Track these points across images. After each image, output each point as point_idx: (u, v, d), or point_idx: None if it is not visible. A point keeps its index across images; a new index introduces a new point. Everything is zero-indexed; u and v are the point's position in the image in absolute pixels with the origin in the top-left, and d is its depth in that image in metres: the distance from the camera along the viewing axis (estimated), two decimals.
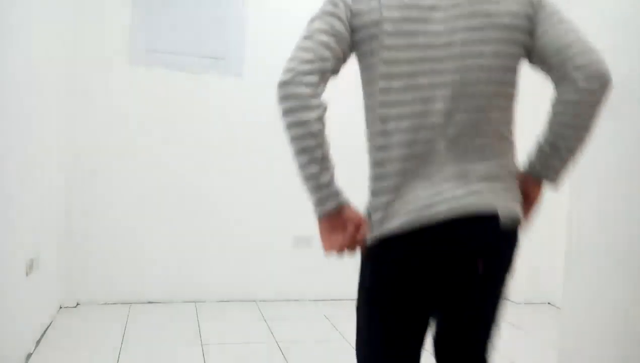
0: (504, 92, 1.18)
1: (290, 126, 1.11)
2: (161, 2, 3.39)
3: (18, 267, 2.38)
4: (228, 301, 3.56)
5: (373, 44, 1.14)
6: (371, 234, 1.15)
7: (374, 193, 1.16)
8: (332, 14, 1.16)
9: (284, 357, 2.71)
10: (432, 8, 1.11)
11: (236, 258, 3.60)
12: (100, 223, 3.37)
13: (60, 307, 3.26)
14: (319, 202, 1.13)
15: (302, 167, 1.12)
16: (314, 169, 1.11)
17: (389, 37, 1.12)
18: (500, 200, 1.12)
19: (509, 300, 4.01)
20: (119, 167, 3.38)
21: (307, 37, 1.15)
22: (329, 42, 1.14)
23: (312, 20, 1.20)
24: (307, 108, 1.10)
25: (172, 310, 3.35)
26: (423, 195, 1.09)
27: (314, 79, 1.11)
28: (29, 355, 2.53)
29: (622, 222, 2.06)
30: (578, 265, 2.26)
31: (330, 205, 1.13)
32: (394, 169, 1.12)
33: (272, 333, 3.03)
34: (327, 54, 1.13)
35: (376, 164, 1.16)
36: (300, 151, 1.11)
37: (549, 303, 3.95)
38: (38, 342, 2.70)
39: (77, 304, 3.33)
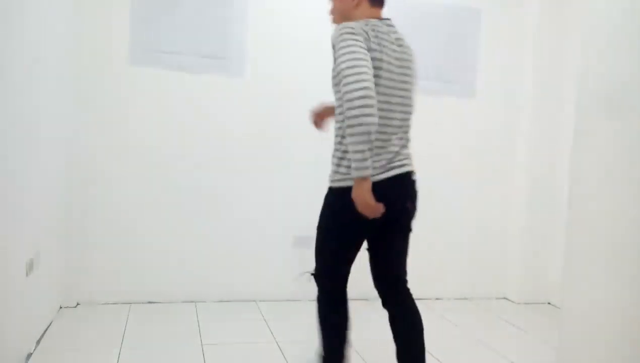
0: (413, 110, 2.02)
1: (366, 120, 1.72)
2: (161, 2, 3.39)
3: (18, 267, 2.38)
4: (228, 301, 3.56)
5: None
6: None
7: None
8: (360, 45, 1.78)
9: (284, 357, 2.71)
10: (397, 59, 1.91)
11: (236, 258, 3.59)
12: (100, 223, 3.37)
13: (60, 307, 3.26)
14: (365, 167, 1.77)
15: (363, 143, 1.74)
16: (368, 146, 1.76)
17: (382, 70, 1.84)
18: (413, 166, 2.01)
19: (509, 300, 4.01)
20: (118, 167, 3.38)
21: (356, 59, 1.74)
22: (369, 61, 1.78)
23: (349, 46, 1.77)
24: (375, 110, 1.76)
25: (172, 310, 3.35)
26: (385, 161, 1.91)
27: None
28: (29, 355, 2.53)
29: (622, 222, 2.06)
30: (578, 265, 2.26)
31: (369, 171, 1.79)
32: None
33: (272, 333, 3.03)
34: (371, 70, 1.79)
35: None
36: (366, 135, 1.73)
37: (549, 303, 3.95)
38: (38, 342, 2.70)
39: (77, 304, 3.33)
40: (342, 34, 1.78)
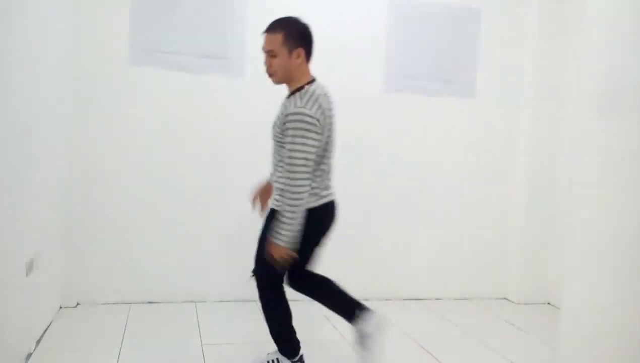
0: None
1: (299, 211, 2.18)
2: (161, 2, 3.39)
3: (18, 267, 2.38)
4: (228, 301, 3.56)
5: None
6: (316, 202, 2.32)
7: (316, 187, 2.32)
8: (318, 135, 2.19)
9: None
10: (328, 109, 2.27)
11: (236, 258, 3.59)
12: (100, 223, 3.37)
13: (60, 307, 3.26)
14: (295, 239, 2.22)
15: (296, 225, 2.18)
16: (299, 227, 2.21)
17: (325, 127, 2.24)
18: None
19: (509, 300, 4.01)
20: (119, 167, 3.38)
21: (307, 160, 2.16)
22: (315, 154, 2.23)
23: (305, 142, 2.16)
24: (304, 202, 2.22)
25: (172, 310, 3.35)
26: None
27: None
28: (29, 355, 2.53)
29: (622, 222, 2.06)
30: (578, 265, 2.26)
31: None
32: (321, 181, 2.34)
33: None
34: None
35: (316, 177, 2.29)
36: (299, 220, 2.19)
37: (549, 303, 3.95)
38: (38, 342, 2.70)
39: (77, 304, 3.33)
40: (304, 121, 2.14)
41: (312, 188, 2.27)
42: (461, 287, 3.99)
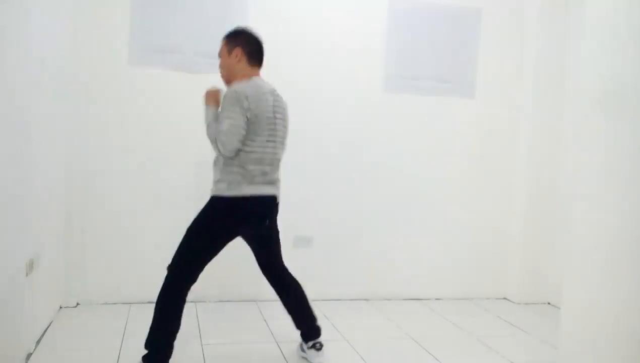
0: (285, 144, 2.63)
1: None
2: (161, 2, 3.39)
3: (18, 267, 2.38)
4: (228, 301, 3.56)
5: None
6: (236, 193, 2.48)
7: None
8: (241, 112, 2.35)
9: (284, 357, 2.71)
10: (272, 106, 2.47)
11: (236, 258, 3.59)
12: (100, 223, 3.37)
13: (60, 307, 3.26)
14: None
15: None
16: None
17: (258, 118, 2.38)
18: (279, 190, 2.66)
19: (509, 300, 4.01)
20: (119, 167, 3.38)
21: (232, 126, 2.38)
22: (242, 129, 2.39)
23: (228, 117, 2.38)
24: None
25: None
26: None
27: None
28: (29, 355, 2.53)
29: (621, 222, 2.07)
30: (578, 265, 2.26)
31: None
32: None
33: (272, 333, 3.03)
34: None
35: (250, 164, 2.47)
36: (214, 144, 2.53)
37: (549, 303, 3.95)
38: (38, 342, 2.70)
39: (77, 304, 3.33)
40: (225, 100, 2.37)
41: (237, 173, 2.47)
42: (461, 287, 3.99)
